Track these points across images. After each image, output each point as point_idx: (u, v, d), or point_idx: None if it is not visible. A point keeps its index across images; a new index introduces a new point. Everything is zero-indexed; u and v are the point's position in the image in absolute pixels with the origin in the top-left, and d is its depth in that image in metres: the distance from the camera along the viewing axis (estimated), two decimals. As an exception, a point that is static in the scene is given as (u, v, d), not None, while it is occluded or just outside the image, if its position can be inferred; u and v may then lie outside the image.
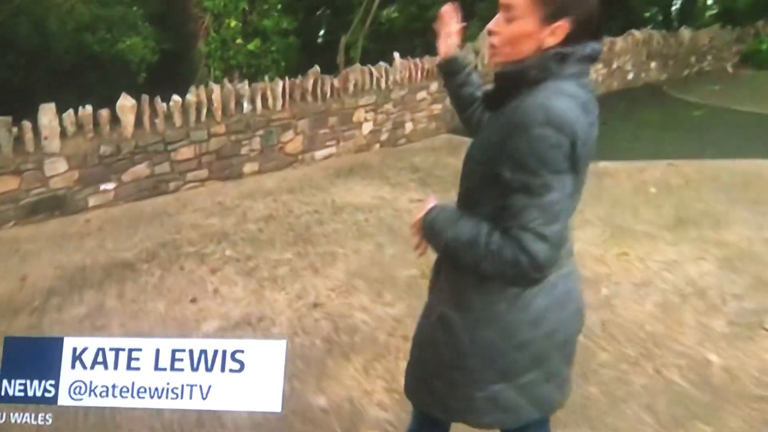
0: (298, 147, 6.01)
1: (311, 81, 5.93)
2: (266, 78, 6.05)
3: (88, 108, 4.72)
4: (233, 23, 6.79)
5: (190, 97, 5.21)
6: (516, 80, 1.24)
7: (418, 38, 10.66)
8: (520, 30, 1.22)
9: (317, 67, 6.06)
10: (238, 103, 5.50)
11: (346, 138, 6.39)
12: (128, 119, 4.88)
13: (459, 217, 1.28)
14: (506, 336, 1.30)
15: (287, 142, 5.92)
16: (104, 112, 4.80)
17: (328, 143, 6.24)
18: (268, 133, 5.72)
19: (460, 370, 1.34)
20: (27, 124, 4.45)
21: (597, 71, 9.57)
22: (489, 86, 1.41)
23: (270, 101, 5.69)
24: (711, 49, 12.04)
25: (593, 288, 3.32)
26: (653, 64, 10.77)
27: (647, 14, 14.25)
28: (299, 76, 5.97)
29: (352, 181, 5.46)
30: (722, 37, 12.27)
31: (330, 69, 6.43)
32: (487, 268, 1.21)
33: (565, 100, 1.18)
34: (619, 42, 9.91)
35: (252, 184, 5.48)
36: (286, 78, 5.78)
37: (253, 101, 5.57)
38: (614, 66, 9.93)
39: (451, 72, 1.61)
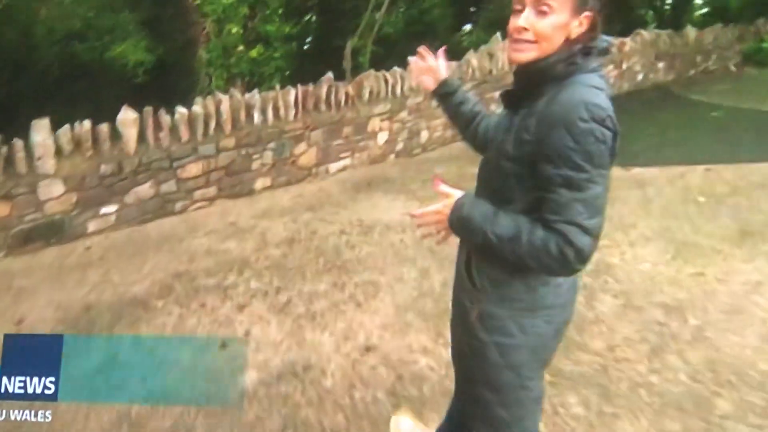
0: (311, 160, 5.58)
1: (325, 89, 5.50)
2: (276, 86, 5.60)
3: (86, 123, 4.25)
4: (234, 29, 6.33)
5: (197, 108, 4.75)
6: (542, 76, 1.24)
7: (417, 42, 10.31)
8: (558, 22, 1.22)
9: (330, 74, 5.64)
10: (249, 114, 5.06)
11: (361, 149, 5.97)
12: (130, 134, 4.41)
13: (495, 213, 1.26)
14: (549, 321, 1.34)
15: (300, 155, 5.48)
16: (104, 127, 4.32)
17: (342, 155, 5.81)
18: (280, 146, 5.28)
19: (509, 369, 1.34)
20: (18, 143, 3.96)
21: (608, 72, 9.28)
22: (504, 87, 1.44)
23: (282, 111, 5.25)
24: (715, 48, 11.85)
25: (679, 317, 2.93)
26: (661, 65, 10.51)
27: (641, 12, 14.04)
28: (310, 84, 5.53)
29: (374, 196, 5.04)
30: (725, 36, 12.08)
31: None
32: (530, 263, 1.21)
33: (600, 94, 1.20)
34: (629, 42, 9.64)
35: (265, 202, 5.03)
36: (299, 86, 5.34)
37: (264, 112, 5.13)
38: (624, 67, 9.65)
39: (449, 92, 1.66)
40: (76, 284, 3.63)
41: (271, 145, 5.22)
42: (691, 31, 11.18)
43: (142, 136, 4.51)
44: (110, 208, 4.41)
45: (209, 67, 6.14)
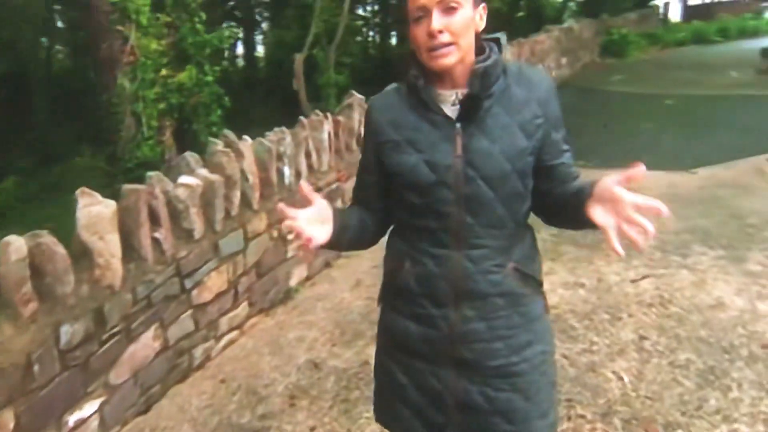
0: (349, 225, 3.67)
1: (357, 115, 3.64)
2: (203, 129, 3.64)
3: (15, 241, 1.89)
4: (154, 44, 4.07)
5: (205, 173, 2.61)
6: (496, 72, 1.16)
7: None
8: (467, 16, 1.14)
9: (356, 94, 3.78)
10: (278, 171, 3.02)
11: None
12: (110, 246, 2.14)
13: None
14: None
15: (339, 221, 3.54)
16: (50, 243, 1.99)
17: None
18: (318, 213, 3.29)
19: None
20: None
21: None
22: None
23: (314, 158, 3.29)
24: (588, 42, 12.15)
25: None
26: (564, 60, 10.29)
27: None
28: (339, 112, 3.63)
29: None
30: (593, 29, 12.48)
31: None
32: None
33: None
34: (546, 39, 9.14)
35: (320, 307, 3.05)
36: (329, 115, 3.42)
37: (294, 162, 3.12)
38: (545, 65, 9.12)
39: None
40: None
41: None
42: (576, 25, 11.22)
43: (125, 242, 2.25)
44: (87, 409, 2.09)
45: (137, 103, 3.79)
